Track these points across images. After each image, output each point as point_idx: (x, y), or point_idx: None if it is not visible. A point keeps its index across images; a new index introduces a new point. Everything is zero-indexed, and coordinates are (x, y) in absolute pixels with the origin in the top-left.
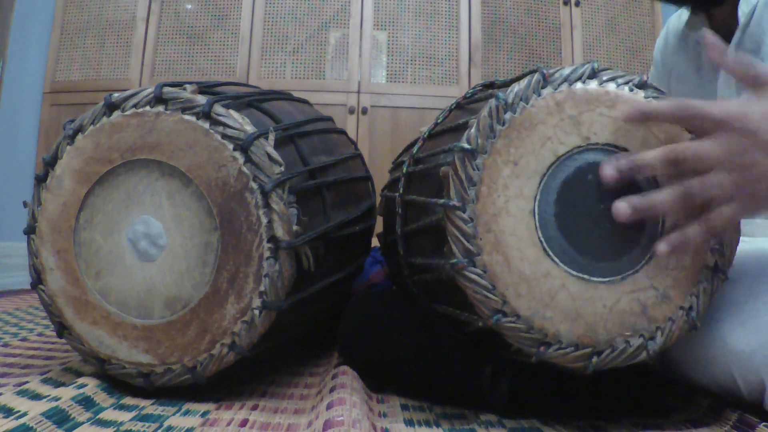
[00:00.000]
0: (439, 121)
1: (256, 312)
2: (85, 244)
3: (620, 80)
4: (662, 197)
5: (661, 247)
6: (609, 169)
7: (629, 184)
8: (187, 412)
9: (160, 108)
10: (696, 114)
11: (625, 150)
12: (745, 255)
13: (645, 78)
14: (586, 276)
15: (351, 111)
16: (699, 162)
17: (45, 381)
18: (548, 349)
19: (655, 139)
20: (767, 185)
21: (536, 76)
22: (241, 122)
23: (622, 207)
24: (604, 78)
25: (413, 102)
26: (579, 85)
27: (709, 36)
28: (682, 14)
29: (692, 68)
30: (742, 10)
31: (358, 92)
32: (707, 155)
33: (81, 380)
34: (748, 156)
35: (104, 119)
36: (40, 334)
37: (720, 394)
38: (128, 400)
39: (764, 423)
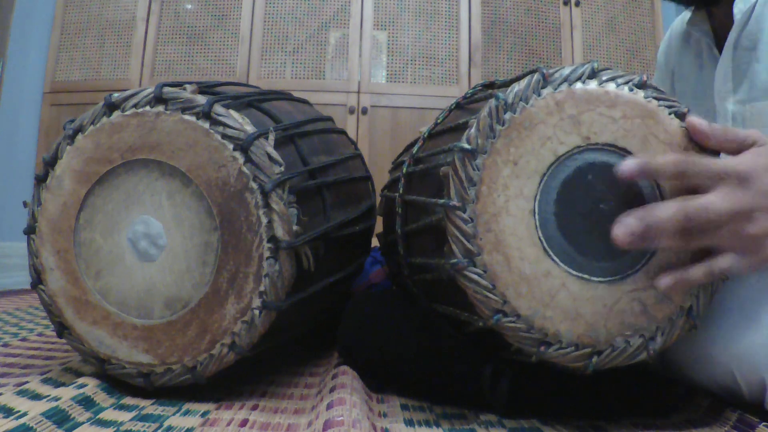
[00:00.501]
0: (438, 121)
1: (256, 312)
2: (85, 244)
3: (620, 80)
4: (666, 225)
5: (664, 281)
6: (621, 233)
7: (628, 186)
8: (187, 412)
9: (160, 108)
10: (698, 170)
11: (625, 150)
12: None
13: (645, 78)
14: (586, 276)
15: (351, 111)
16: (707, 215)
17: (45, 381)
18: (548, 348)
19: (655, 139)
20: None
21: (536, 76)
22: (241, 122)
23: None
24: (604, 78)
25: (413, 102)
26: (579, 85)
27: (694, 119)
28: (686, 16)
29: (694, 66)
30: (738, 8)
31: (358, 92)
32: (716, 209)
33: (81, 380)
34: (748, 207)
35: (104, 119)
36: (40, 334)
37: (720, 393)
38: (128, 400)
39: (764, 423)
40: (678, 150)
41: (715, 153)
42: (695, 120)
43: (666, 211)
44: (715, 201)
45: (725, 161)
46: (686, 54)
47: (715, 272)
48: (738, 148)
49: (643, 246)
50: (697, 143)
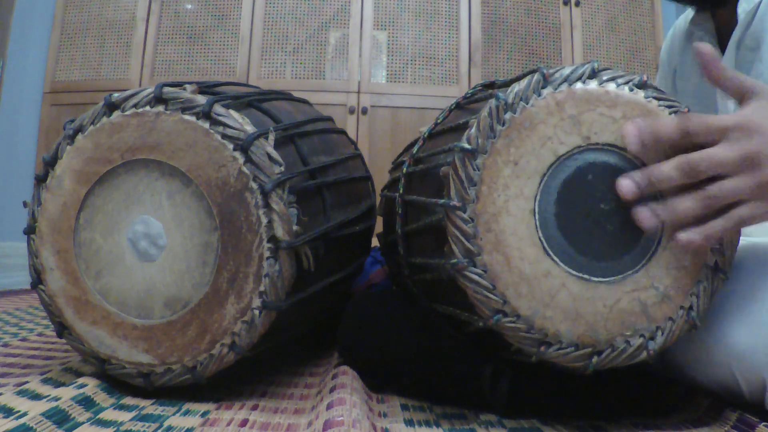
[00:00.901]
0: (439, 121)
1: (256, 312)
2: (85, 244)
3: (620, 80)
4: (686, 205)
5: (683, 235)
6: (626, 184)
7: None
8: (187, 412)
9: (160, 108)
10: (700, 126)
11: (625, 150)
12: (745, 254)
13: (645, 78)
14: (586, 276)
15: (351, 111)
16: (713, 168)
17: (45, 381)
18: (548, 348)
19: None
20: None
21: (536, 76)
22: (241, 122)
23: (645, 215)
24: (604, 78)
25: (413, 102)
26: (579, 85)
27: (704, 47)
28: (689, 14)
29: (696, 65)
30: (743, 8)
31: (358, 92)
32: (720, 160)
33: (81, 380)
34: (756, 155)
35: (104, 119)
36: (40, 334)
37: (721, 393)
38: (128, 400)
39: (764, 423)
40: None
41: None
42: (704, 48)
43: (664, 165)
44: (719, 150)
45: (725, 116)
46: (688, 53)
47: (735, 220)
48: (739, 94)
49: (665, 215)
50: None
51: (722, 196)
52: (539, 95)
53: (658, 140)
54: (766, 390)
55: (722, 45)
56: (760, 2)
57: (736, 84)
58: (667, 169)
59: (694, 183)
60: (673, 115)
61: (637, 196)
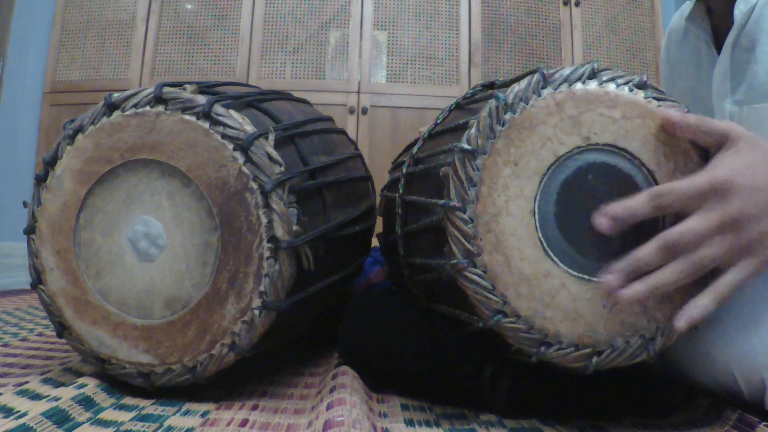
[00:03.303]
0: (438, 121)
1: (256, 312)
2: (85, 244)
3: (620, 80)
4: (668, 275)
5: (678, 324)
6: (608, 278)
7: (628, 186)
8: (187, 412)
9: (160, 108)
10: (672, 197)
11: (625, 150)
12: None
13: (645, 78)
14: (586, 276)
15: (351, 111)
16: (695, 241)
17: (45, 381)
18: (549, 349)
19: (654, 139)
20: (765, 243)
21: (536, 76)
22: (241, 122)
23: (626, 294)
24: (604, 78)
25: (413, 102)
26: (579, 85)
27: (668, 113)
28: (684, 11)
29: (692, 64)
30: (740, 9)
31: (358, 92)
32: (700, 232)
33: (81, 380)
34: (739, 216)
35: (104, 119)
36: (40, 334)
37: (721, 393)
38: (128, 400)
39: (764, 423)
40: (678, 150)
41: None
42: (668, 112)
43: (646, 249)
44: (698, 221)
45: (698, 176)
46: (684, 50)
47: (721, 293)
48: (716, 141)
49: (645, 292)
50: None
51: (705, 264)
52: (539, 95)
53: (633, 219)
54: (766, 390)
55: (718, 45)
56: (756, 3)
57: (712, 131)
58: (648, 254)
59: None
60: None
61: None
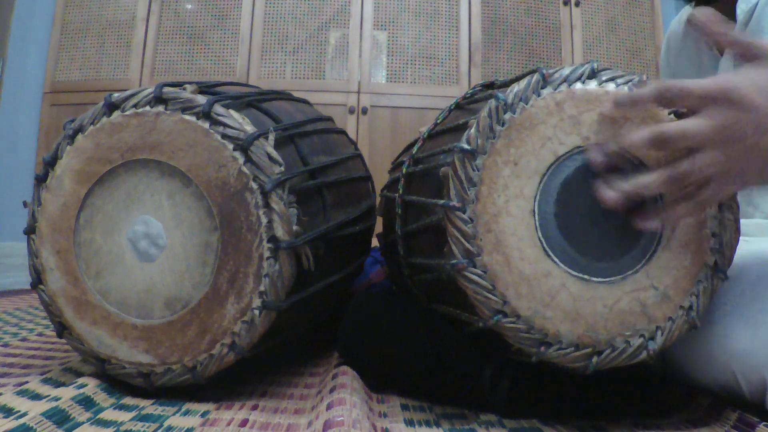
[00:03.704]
0: (438, 121)
1: (256, 312)
2: (85, 244)
3: (620, 80)
4: (650, 179)
5: (638, 221)
6: (594, 153)
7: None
8: (187, 412)
9: (160, 108)
10: (678, 92)
11: (625, 150)
12: (745, 254)
13: (645, 78)
14: (586, 276)
15: (351, 111)
16: (686, 140)
17: (45, 381)
18: (548, 349)
19: None
20: (758, 159)
21: (536, 76)
22: (241, 122)
23: (609, 193)
24: (604, 78)
25: (413, 102)
26: (578, 85)
27: (700, 13)
28: (683, 16)
29: (693, 66)
30: (741, 8)
31: (358, 92)
32: (694, 133)
33: (81, 380)
34: (735, 130)
35: (104, 119)
36: (40, 334)
37: (721, 393)
38: (128, 400)
39: (764, 423)
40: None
41: None
42: (702, 13)
43: (640, 133)
44: (694, 123)
45: (707, 80)
46: (685, 53)
47: (702, 199)
48: (747, 52)
49: (627, 194)
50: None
51: (693, 173)
52: (539, 95)
53: (635, 104)
54: (766, 390)
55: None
56: (756, 3)
57: (744, 46)
58: (637, 136)
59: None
60: (671, 115)
61: (607, 167)
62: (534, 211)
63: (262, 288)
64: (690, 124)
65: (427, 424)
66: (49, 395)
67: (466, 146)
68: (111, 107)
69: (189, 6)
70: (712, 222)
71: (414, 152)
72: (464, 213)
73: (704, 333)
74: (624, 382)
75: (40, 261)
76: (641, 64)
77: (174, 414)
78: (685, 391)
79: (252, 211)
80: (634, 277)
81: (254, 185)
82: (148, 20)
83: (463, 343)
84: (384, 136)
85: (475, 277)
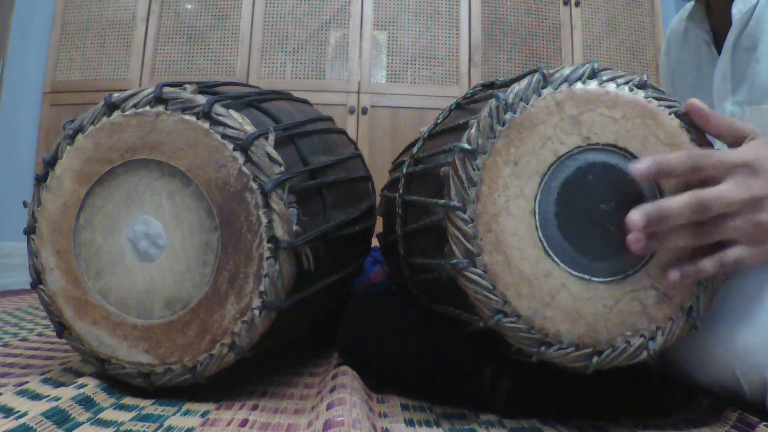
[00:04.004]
0: (439, 121)
1: (256, 312)
2: (85, 244)
3: (620, 80)
4: (680, 240)
5: (672, 275)
6: (636, 218)
7: (628, 186)
8: (187, 412)
9: (160, 108)
10: (708, 163)
11: (625, 150)
12: None
13: (645, 78)
14: (586, 276)
15: (351, 111)
16: (723, 208)
17: (45, 381)
18: (549, 349)
19: (655, 140)
20: None
21: (536, 76)
22: (241, 122)
23: (636, 241)
24: (604, 78)
25: (413, 102)
26: (579, 85)
27: (695, 102)
28: (683, 14)
29: (692, 64)
30: (738, 9)
31: (358, 92)
32: (729, 199)
33: (81, 380)
34: (759, 194)
35: (104, 119)
36: (40, 334)
37: (721, 393)
38: (128, 400)
39: (765, 422)
40: (677, 149)
41: (710, 146)
42: (697, 102)
43: (678, 200)
44: (730, 189)
45: (732, 152)
46: (685, 51)
47: (726, 264)
48: (736, 140)
49: (655, 245)
50: (697, 130)
51: (719, 233)
52: (539, 95)
53: (669, 176)
54: (767, 389)
55: (717, 45)
56: (756, 4)
57: (733, 131)
58: (678, 205)
59: None
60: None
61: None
62: (534, 210)
63: (262, 288)
64: (726, 189)
65: (427, 424)
66: (49, 395)
67: (466, 146)
68: (111, 107)
69: (189, 6)
70: None
71: (414, 152)
72: (465, 213)
73: (705, 333)
74: (624, 382)
75: (40, 261)
76: (641, 64)
77: (174, 414)
78: (685, 391)
79: (252, 211)
80: (635, 277)
81: (254, 185)
82: (148, 20)
83: (463, 343)
84: (384, 136)
85: (476, 277)
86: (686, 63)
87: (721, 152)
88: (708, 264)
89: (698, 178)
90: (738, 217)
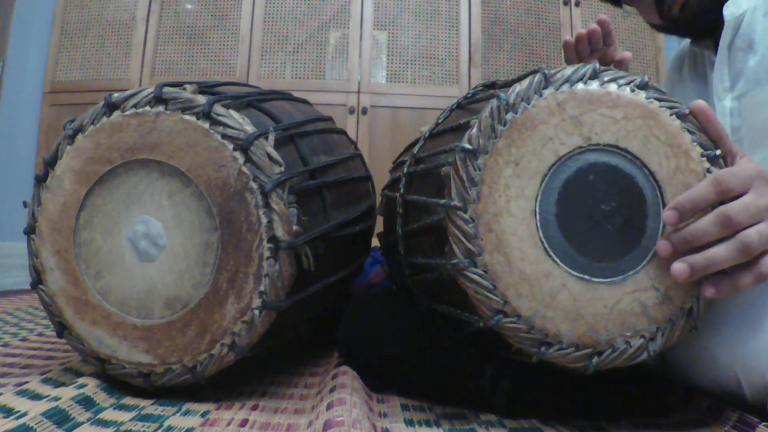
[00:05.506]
0: (440, 121)
1: (256, 312)
2: (85, 244)
3: (622, 81)
4: (723, 251)
5: (709, 290)
6: (664, 246)
7: (629, 187)
8: (187, 412)
9: (160, 108)
10: (731, 181)
11: (626, 151)
12: None
13: (646, 79)
14: (586, 276)
15: (351, 111)
16: (751, 218)
17: (45, 381)
18: (549, 349)
19: (656, 140)
20: None
21: (538, 76)
22: (241, 122)
23: (682, 270)
24: (606, 78)
25: (413, 102)
26: (580, 85)
27: (700, 104)
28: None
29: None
30: (729, 11)
31: (358, 92)
32: (756, 210)
33: (81, 380)
34: None
35: (104, 119)
36: (40, 334)
37: (721, 395)
38: (128, 400)
39: (764, 423)
40: (679, 151)
41: (712, 147)
42: (702, 104)
43: (704, 220)
44: (750, 200)
45: (745, 166)
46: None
47: (764, 272)
48: (727, 151)
49: (701, 271)
50: (698, 131)
51: (760, 244)
52: (540, 95)
53: (698, 208)
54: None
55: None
56: (746, 9)
57: (728, 140)
58: (706, 224)
59: None
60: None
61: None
62: (535, 211)
63: (262, 288)
64: (750, 201)
65: (427, 424)
66: (49, 395)
67: (467, 146)
68: (111, 107)
69: (189, 6)
70: None
71: (415, 152)
72: (465, 213)
73: (706, 335)
74: (624, 382)
75: (40, 261)
76: (641, 64)
77: (174, 414)
78: (685, 391)
79: (252, 211)
80: (635, 277)
81: (254, 185)
82: (148, 20)
83: (464, 343)
84: (384, 136)
85: (476, 277)
86: (689, 87)
87: (737, 168)
88: (747, 277)
89: (725, 198)
90: (763, 223)
